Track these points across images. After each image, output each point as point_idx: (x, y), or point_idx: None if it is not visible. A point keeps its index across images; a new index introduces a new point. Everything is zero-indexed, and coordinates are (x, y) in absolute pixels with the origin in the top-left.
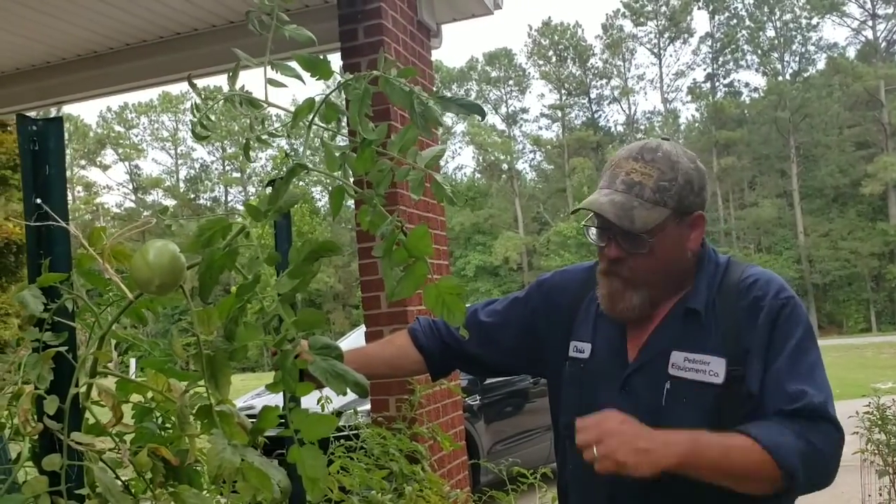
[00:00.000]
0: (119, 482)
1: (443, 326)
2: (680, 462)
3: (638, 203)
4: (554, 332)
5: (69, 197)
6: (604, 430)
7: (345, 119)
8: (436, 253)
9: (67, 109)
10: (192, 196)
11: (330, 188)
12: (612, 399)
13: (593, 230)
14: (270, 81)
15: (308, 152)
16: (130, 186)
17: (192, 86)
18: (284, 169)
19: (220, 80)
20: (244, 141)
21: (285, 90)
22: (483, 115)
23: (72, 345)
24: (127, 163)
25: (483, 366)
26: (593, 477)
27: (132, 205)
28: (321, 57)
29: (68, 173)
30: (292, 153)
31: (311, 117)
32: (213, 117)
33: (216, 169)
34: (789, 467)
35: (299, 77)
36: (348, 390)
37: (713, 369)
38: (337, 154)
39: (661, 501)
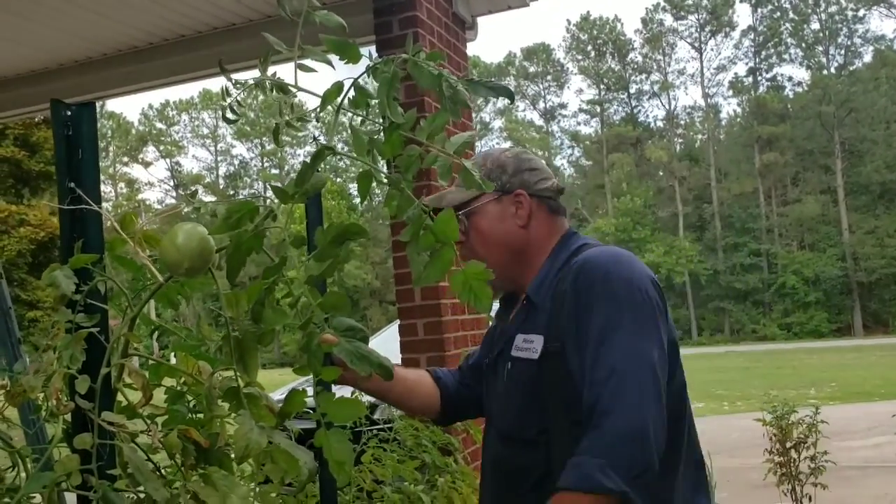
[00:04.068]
0: (151, 464)
1: (457, 373)
2: None
3: (454, 189)
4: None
5: (112, 192)
6: None
7: (376, 106)
8: None
9: (110, 107)
10: (232, 192)
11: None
12: (488, 386)
13: None
14: (301, 67)
15: (341, 141)
16: (171, 183)
17: (223, 70)
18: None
19: (258, 74)
20: (275, 125)
21: (322, 81)
22: (512, 98)
23: (104, 327)
24: (168, 159)
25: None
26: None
27: (173, 201)
28: (350, 41)
29: (111, 170)
30: (321, 137)
31: (339, 101)
32: (251, 114)
33: (255, 165)
34: (602, 488)
35: (329, 62)
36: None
37: (535, 346)
38: (365, 139)
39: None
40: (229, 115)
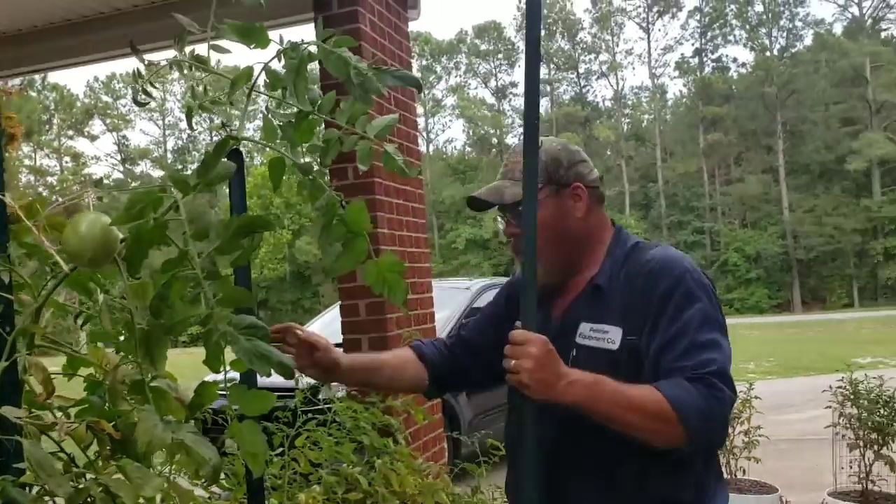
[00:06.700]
0: (64, 455)
1: (441, 344)
2: (577, 401)
3: (509, 183)
4: (512, 321)
5: (57, 166)
6: (526, 352)
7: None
8: (413, 226)
9: (52, 79)
10: (181, 167)
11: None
12: None
13: (499, 220)
14: (214, 48)
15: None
16: (118, 157)
17: (135, 51)
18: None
19: (199, 49)
20: (186, 108)
21: (253, 59)
22: (420, 87)
23: (8, 318)
24: (115, 133)
25: (474, 377)
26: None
27: (120, 175)
28: (257, 25)
29: (55, 143)
30: (228, 123)
31: (251, 84)
32: (199, 88)
33: (203, 139)
34: (688, 421)
35: (245, 42)
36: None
37: (611, 337)
38: (275, 124)
39: (571, 443)
40: (141, 97)
